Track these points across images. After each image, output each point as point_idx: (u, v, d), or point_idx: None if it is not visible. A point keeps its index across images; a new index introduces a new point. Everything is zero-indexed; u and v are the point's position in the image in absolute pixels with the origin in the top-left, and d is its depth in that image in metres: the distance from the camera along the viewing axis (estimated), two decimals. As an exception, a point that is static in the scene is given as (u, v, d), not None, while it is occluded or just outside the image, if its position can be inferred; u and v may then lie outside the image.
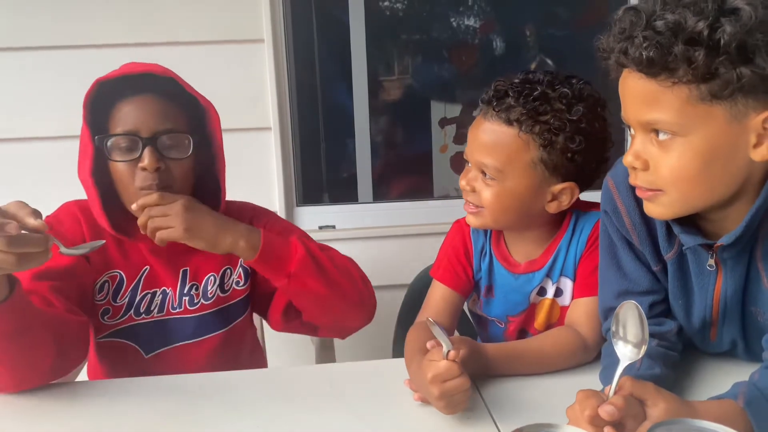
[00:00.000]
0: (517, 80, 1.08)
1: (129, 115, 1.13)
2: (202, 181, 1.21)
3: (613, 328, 0.83)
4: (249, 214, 1.28)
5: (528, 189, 1.08)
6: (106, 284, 1.20)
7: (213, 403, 1.00)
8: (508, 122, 1.06)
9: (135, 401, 1.03)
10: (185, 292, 1.22)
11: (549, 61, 2.33)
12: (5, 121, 1.88)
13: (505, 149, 1.06)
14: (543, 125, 1.04)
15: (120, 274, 1.20)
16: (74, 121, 1.93)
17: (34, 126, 1.88)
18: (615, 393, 0.79)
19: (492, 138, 1.07)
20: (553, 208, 1.11)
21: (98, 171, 1.15)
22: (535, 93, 1.05)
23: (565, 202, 1.10)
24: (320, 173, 2.29)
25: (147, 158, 1.10)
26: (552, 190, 1.09)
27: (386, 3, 2.27)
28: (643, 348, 0.79)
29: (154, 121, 1.12)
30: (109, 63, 1.91)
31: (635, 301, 1.02)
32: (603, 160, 1.12)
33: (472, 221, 1.15)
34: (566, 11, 2.35)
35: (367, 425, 0.93)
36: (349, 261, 1.23)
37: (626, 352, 0.81)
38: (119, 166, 1.13)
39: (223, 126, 1.90)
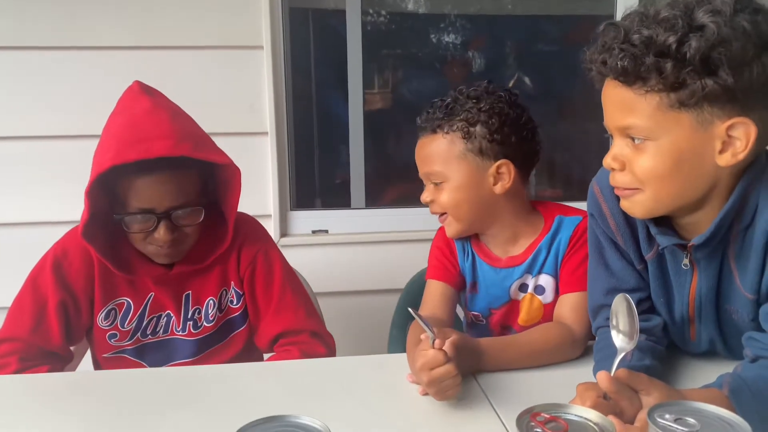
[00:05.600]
0: (435, 100, 1.26)
1: (144, 194, 1.16)
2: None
3: (612, 321, 0.89)
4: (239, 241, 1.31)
5: (468, 178, 1.21)
6: (113, 311, 1.27)
7: (219, 394, 1.03)
8: (433, 131, 1.23)
9: (137, 390, 1.06)
10: (189, 317, 1.28)
11: (526, 80, 2.43)
12: (11, 121, 1.90)
13: (438, 153, 1.22)
14: (459, 122, 1.20)
15: (127, 301, 1.27)
16: (74, 120, 1.95)
17: (36, 125, 1.90)
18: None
19: (427, 149, 1.24)
20: (499, 189, 1.22)
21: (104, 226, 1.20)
22: (447, 101, 1.23)
23: (507, 178, 1.21)
24: (313, 178, 2.34)
25: (161, 232, 1.17)
26: (490, 173, 1.21)
27: (381, 18, 2.33)
28: (635, 337, 0.86)
29: (168, 198, 1.17)
30: (110, 65, 1.94)
31: (624, 297, 1.09)
32: (528, 139, 1.24)
33: (448, 231, 1.29)
34: (553, 29, 2.44)
35: (374, 414, 0.97)
36: None
37: (620, 342, 0.88)
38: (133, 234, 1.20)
39: (221, 129, 1.94)
